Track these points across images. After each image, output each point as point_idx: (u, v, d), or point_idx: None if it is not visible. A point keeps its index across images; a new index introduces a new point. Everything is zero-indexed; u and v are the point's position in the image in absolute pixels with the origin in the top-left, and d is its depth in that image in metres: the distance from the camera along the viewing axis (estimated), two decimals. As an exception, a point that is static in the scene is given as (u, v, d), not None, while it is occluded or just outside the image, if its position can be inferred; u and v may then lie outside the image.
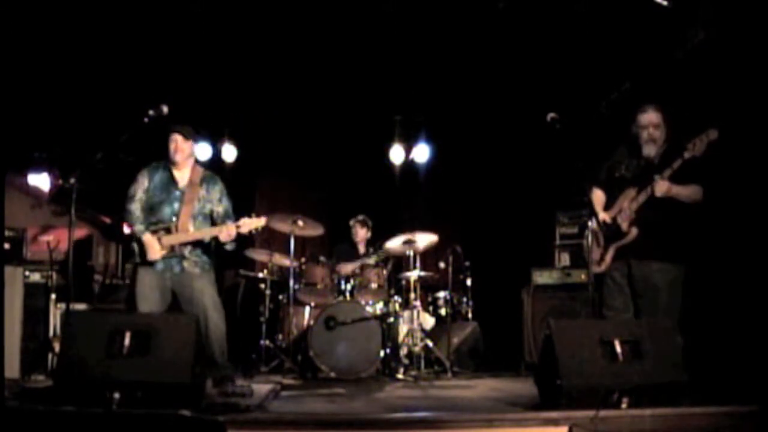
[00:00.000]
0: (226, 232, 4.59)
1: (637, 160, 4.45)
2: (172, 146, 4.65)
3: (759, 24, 4.58)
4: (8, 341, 4.64)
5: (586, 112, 5.97)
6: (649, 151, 4.38)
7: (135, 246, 4.58)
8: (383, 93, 6.97)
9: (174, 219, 4.59)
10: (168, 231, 4.56)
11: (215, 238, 4.65)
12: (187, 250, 4.61)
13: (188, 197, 4.64)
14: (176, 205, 4.62)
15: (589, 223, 4.57)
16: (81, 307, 5.36)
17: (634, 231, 4.33)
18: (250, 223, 4.66)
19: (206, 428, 3.22)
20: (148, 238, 4.54)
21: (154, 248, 4.52)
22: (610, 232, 4.39)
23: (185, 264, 4.60)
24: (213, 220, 4.73)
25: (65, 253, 4.93)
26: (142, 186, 4.66)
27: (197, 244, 4.64)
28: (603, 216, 4.45)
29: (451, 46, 6.19)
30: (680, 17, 5.17)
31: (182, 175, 4.71)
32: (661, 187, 4.19)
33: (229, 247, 4.71)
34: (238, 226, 4.61)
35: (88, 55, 6.04)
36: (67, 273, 4.35)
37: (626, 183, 4.44)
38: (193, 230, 4.60)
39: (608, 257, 4.41)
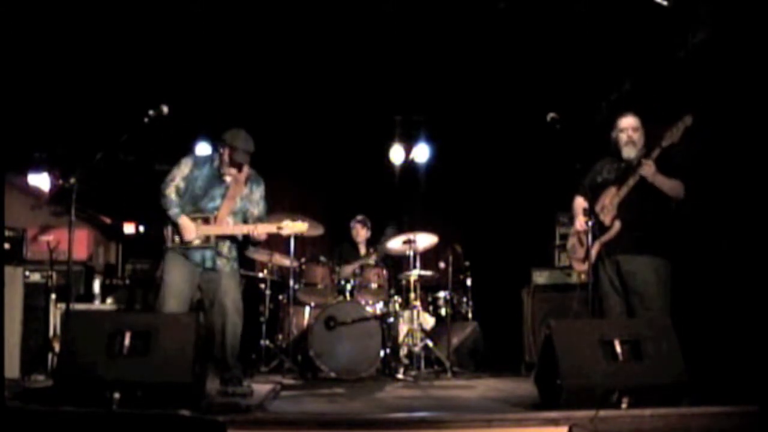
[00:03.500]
0: (263, 231, 4.54)
1: (618, 164, 4.55)
2: (226, 160, 4.56)
3: (759, 24, 4.59)
4: (8, 341, 4.63)
5: (586, 112, 5.98)
6: (629, 153, 4.49)
7: (168, 231, 4.52)
8: (383, 93, 6.97)
9: (215, 212, 4.55)
10: (206, 221, 4.52)
11: (246, 237, 4.61)
12: (225, 247, 4.58)
13: (231, 193, 4.60)
14: (219, 200, 4.58)
15: (573, 227, 4.73)
16: (81, 307, 5.36)
17: (617, 224, 4.41)
18: (292, 227, 4.64)
19: (206, 428, 3.22)
20: (184, 221, 4.48)
21: (190, 230, 4.46)
22: (594, 229, 4.43)
23: (218, 261, 4.57)
24: (245, 221, 4.68)
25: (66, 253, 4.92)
26: (182, 173, 4.59)
27: (233, 241, 4.62)
28: (581, 221, 4.54)
29: (451, 46, 6.19)
30: (680, 17, 5.17)
31: (229, 174, 4.64)
32: (648, 168, 4.28)
33: (253, 249, 4.68)
34: (279, 228, 4.59)
35: (88, 55, 6.04)
36: (67, 273, 4.35)
37: (608, 184, 4.54)
38: (226, 225, 4.56)
39: (593, 253, 4.45)
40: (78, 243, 5.18)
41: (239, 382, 4.55)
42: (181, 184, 4.58)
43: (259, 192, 4.73)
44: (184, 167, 4.61)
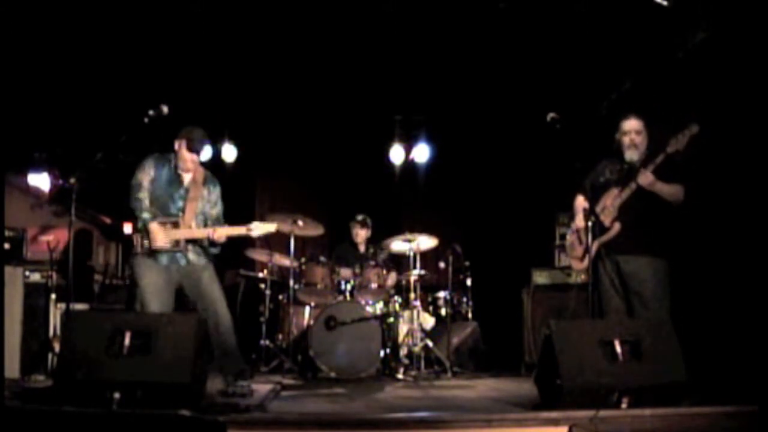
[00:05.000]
0: (233, 233, 4.57)
1: (620, 165, 4.57)
2: (184, 154, 4.57)
3: (759, 24, 4.59)
4: (8, 341, 4.64)
5: (586, 112, 5.98)
6: (632, 155, 4.51)
7: (138, 237, 4.50)
8: (383, 93, 6.97)
9: (180, 215, 4.56)
10: (176, 225, 4.53)
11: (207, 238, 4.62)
12: (189, 245, 4.58)
13: (192, 195, 4.63)
14: (181, 202, 4.60)
15: (572, 225, 4.78)
16: (81, 307, 5.36)
17: (617, 226, 4.44)
18: (262, 228, 4.65)
19: (206, 428, 3.22)
20: (154, 227, 4.47)
21: (159, 236, 4.45)
22: (594, 228, 4.44)
23: (190, 256, 4.58)
24: (205, 222, 4.69)
25: (65, 253, 4.92)
26: (149, 176, 4.58)
27: (197, 243, 4.63)
28: (580, 220, 4.57)
29: (451, 46, 6.19)
30: (680, 17, 5.17)
31: (187, 172, 4.68)
32: (646, 177, 4.31)
33: (214, 250, 4.69)
34: (249, 229, 4.61)
35: (88, 55, 6.04)
36: (67, 273, 4.34)
37: (610, 185, 4.56)
38: (195, 227, 4.58)
39: (592, 252, 4.46)
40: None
41: (250, 374, 4.58)
42: (149, 187, 4.58)
43: (216, 193, 4.76)
44: (149, 169, 4.60)
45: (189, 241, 4.56)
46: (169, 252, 4.53)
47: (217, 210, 4.75)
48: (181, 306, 4.69)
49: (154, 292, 4.46)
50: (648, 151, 4.48)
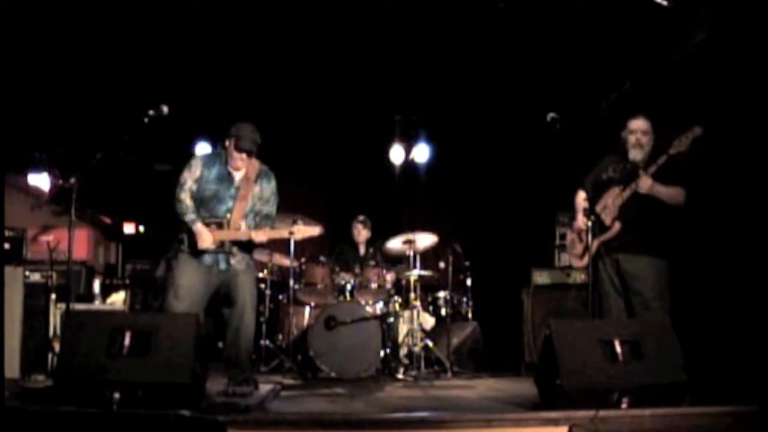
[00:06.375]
0: (275, 236, 4.52)
1: (624, 164, 4.57)
2: (234, 153, 4.47)
3: (759, 24, 4.59)
4: (8, 341, 4.63)
5: (586, 112, 5.98)
6: (636, 155, 4.52)
7: (184, 236, 4.46)
8: (383, 93, 6.97)
9: (228, 215, 4.49)
10: (220, 226, 4.46)
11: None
12: (234, 247, 4.51)
13: (242, 193, 4.52)
14: (230, 202, 4.51)
15: (574, 223, 4.78)
16: (81, 307, 5.36)
17: (617, 225, 4.44)
18: (304, 231, 4.60)
19: (206, 428, 3.22)
20: (199, 228, 4.40)
21: (205, 238, 4.39)
22: (594, 227, 4.45)
23: (232, 260, 4.51)
24: (254, 220, 4.61)
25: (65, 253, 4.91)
26: (194, 175, 4.50)
27: (243, 243, 4.56)
28: (581, 220, 4.57)
29: (450, 46, 6.19)
30: (680, 17, 5.17)
31: (238, 170, 4.57)
32: (645, 182, 4.31)
33: (258, 251, 4.63)
34: (291, 233, 4.55)
35: (88, 55, 6.04)
36: (67, 273, 4.34)
37: (612, 183, 4.56)
38: (244, 228, 4.49)
39: (593, 251, 4.46)
40: (78, 243, 5.17)
41: (255, 383, 4.54)
42: (194, 187, 4.50)
43: (269, 188, 4.65)
44: (195, 169, 4.52)
45: (233, 242, 4.50)
46: (212, 253, 4.46)
47: (269, 207, 4.64)
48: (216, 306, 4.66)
49: (188, 293, 4.39)
50: (653, 152, 4.47)
